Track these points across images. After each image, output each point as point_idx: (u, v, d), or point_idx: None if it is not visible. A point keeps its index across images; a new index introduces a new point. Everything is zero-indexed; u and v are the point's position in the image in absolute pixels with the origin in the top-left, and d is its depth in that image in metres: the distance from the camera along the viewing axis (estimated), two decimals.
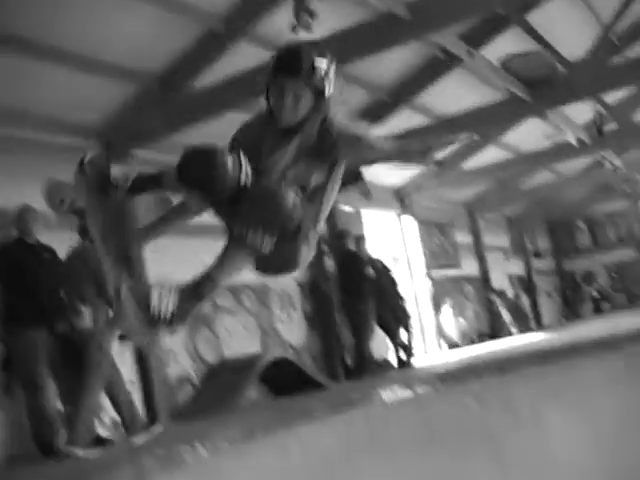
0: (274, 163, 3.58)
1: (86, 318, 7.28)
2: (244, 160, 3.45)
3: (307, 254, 3.66)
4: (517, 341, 14.11)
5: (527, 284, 22.17)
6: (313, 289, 12.45)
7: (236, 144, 3.66)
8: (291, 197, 3.36)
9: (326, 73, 3.56)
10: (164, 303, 3.29)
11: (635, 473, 6.18)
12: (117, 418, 7.88)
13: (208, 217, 3.74)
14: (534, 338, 14.27)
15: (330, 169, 3.60)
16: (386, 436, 4.65)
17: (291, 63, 3.52)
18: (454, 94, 12.53)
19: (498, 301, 19.32)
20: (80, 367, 7.18)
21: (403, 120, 12.53)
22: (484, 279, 19.31)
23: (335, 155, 3.57)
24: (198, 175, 3.44)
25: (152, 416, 9.02)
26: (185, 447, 5.41)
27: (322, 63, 3.55)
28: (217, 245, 3.53)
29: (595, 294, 24.01)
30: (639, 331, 8.53)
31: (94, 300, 7.32)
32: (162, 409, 9.21)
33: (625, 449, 6.28)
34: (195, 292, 3.40)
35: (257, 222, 3.32)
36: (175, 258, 9.47)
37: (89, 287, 7.31)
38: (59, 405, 7.28)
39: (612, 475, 6.12)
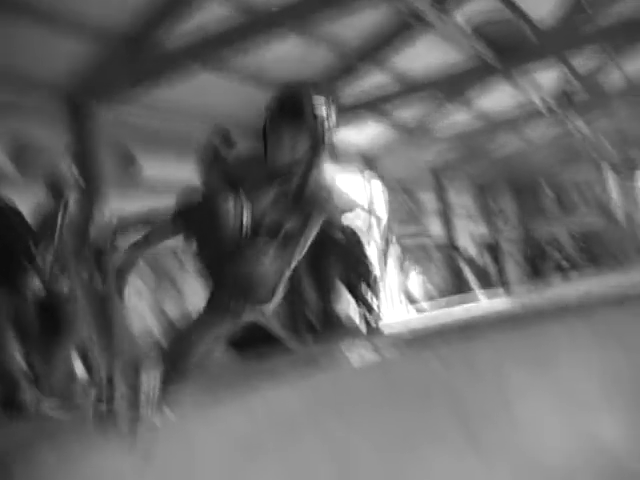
0: (255, 202, 3.52)
1: (59, 278, 7.20)
2: (246, 208, 3.40)
3: (279, 294, 3.65)
4: (481, 304, 14.19)
5: (493, 248, 22.31)
6: None
7: (224, 178, 3.60)
8: (269, 259, 3.33)
9: (326, 119, 3.49)
10: (152, 388, 3.28)
11: (599, 437, 6.27)
12: (87, 378, 7.84)
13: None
14: (499, 302, 14.37)
15: (305, 220, 3.55)
16: (352, 398, 4.67)
17: (293, 108, 3.44)
18: (423, 57, 12.50)
19: (464, 264, 19.44)
20: (56, 328, 7.14)
21: (371, 81, 12.50)
22: (450, 242, 19.41)
23: (311, 208, 3.52)
24: (199, 224, 3.40)
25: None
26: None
27: (323, 109, 3.49)
28: None
29: (561, 259, 24.19)
30: (604, 296, 8.63)
31: (67, 260, 7.22)
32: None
33: (590, 414, 6.37)
34: (177, 362, 3.39)
35: (240, 293, 3.31)
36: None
37: (62, 247, 7.21)
38: (23, 366, 7.23)
39: (576, 440, 6.21)
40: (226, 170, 3.68)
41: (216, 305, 3.41)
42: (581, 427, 6.38)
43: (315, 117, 3.44)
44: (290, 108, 3.45)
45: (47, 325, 7.15)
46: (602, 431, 6.38)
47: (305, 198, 3.50)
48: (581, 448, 6.11)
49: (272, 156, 3.49)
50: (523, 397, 6.47)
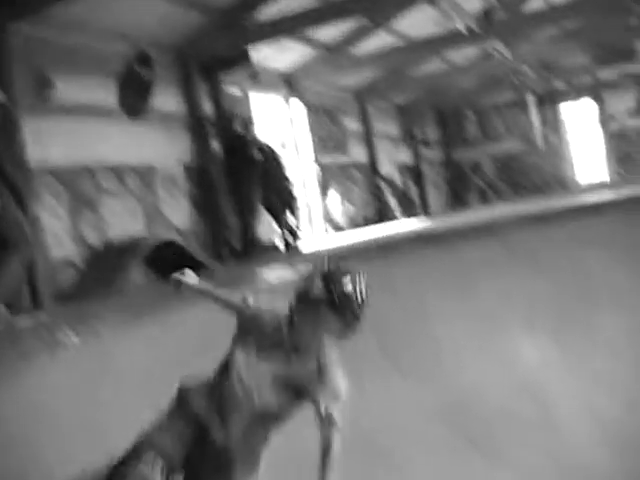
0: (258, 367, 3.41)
1: None
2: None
3: None
4: (402, 226, 14.29)
5: (415, 172, 22.40)
6: (199, 171, 12.28)
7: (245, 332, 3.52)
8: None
9: (357, 298, 3.34)
10: None
11: (513, 350, 6.41)
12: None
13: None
14: (419, 224, 14.49)
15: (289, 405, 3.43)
16: None
17: (325, 296, 3.31)
18: None
19: (385, 188, 19.49)
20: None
21: (288, 3, 12.26)
22: (372, 166, 19.42)
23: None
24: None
25: (36, 299, 8.89)
26: (68, 329, 5.37)
27: (357, 292, 3.34)
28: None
29: (481, 184, 24.44)
30: (519, 218, 8.78)
31: None
32: (46, 292, 9.07)
33: (502, 327, 6.51)
34: None
35: None
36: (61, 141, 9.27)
37: None
38: None
39: (489, 355, 6.33)
40: (247, 326, 3.54)
41: None
42: (498, 340, 6.51)
43: (345, 307, 3.33)
44: (322, 296, 3.34)
45: None
46: (520, 348, 6.51)
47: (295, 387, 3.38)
48: (501, 368, 6.24)
49: (294, 336, 3.41)
50: (444, 319, 6.58)
